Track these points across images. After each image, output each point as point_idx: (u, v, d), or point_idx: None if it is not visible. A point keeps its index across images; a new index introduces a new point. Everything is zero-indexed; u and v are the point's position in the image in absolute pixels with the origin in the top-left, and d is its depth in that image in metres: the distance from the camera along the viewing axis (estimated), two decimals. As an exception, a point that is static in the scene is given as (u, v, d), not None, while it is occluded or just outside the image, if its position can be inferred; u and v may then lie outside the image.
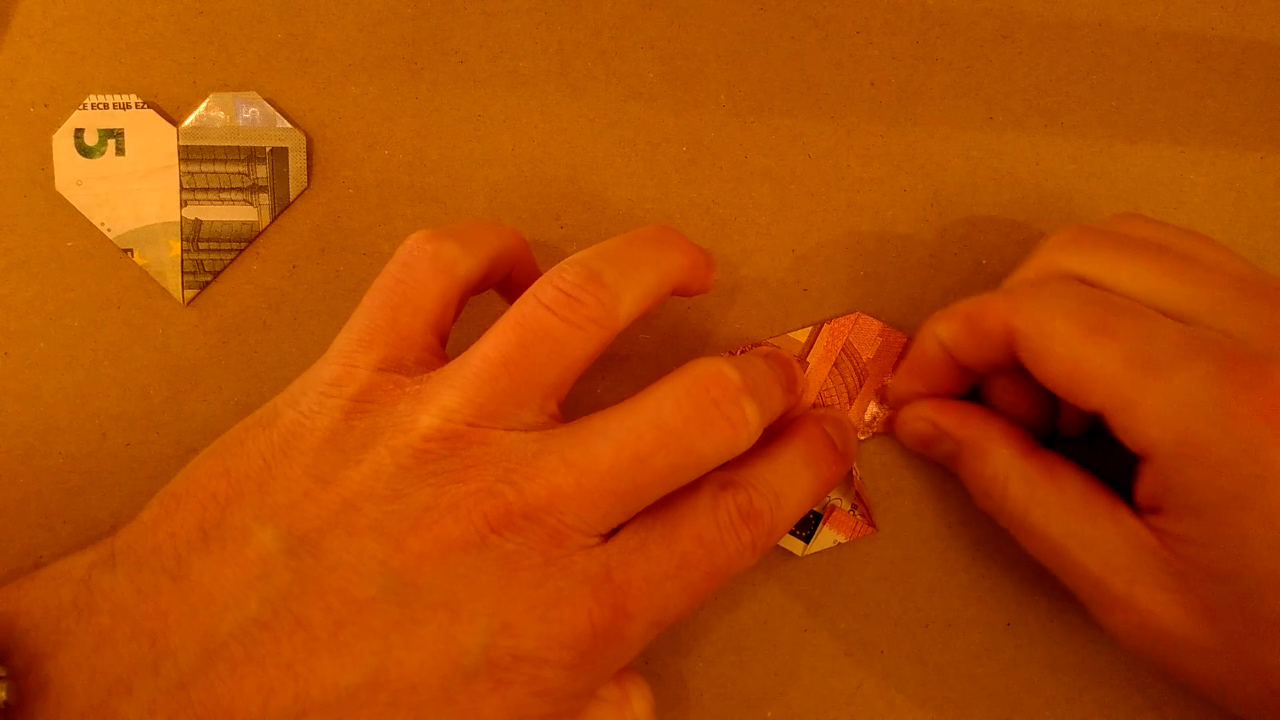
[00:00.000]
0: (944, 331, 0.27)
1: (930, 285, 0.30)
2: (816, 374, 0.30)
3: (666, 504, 0.24)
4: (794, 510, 0.25)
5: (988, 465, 0.26)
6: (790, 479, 0.25)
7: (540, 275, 0.24)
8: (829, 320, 0.30)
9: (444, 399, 0.22)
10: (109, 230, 0.30)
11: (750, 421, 0.23)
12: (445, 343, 0.25)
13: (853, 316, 0.30)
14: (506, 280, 0.27)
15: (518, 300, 0.24)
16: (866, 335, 0.30)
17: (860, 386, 0.29)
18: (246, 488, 0.22)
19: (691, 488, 0.24)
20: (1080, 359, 0.23)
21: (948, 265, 0.30)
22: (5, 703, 0.19)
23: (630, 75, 0.31)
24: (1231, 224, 0.31)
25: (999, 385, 0.27)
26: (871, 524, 0.29)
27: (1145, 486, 0.23)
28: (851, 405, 0.29)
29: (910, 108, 0.31)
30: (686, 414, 0.23)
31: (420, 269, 0.24)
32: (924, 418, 0.28)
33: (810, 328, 0.30)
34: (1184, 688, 0.26)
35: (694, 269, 0.26)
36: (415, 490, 0.22)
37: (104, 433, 0.29)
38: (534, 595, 0.21)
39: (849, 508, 0.29)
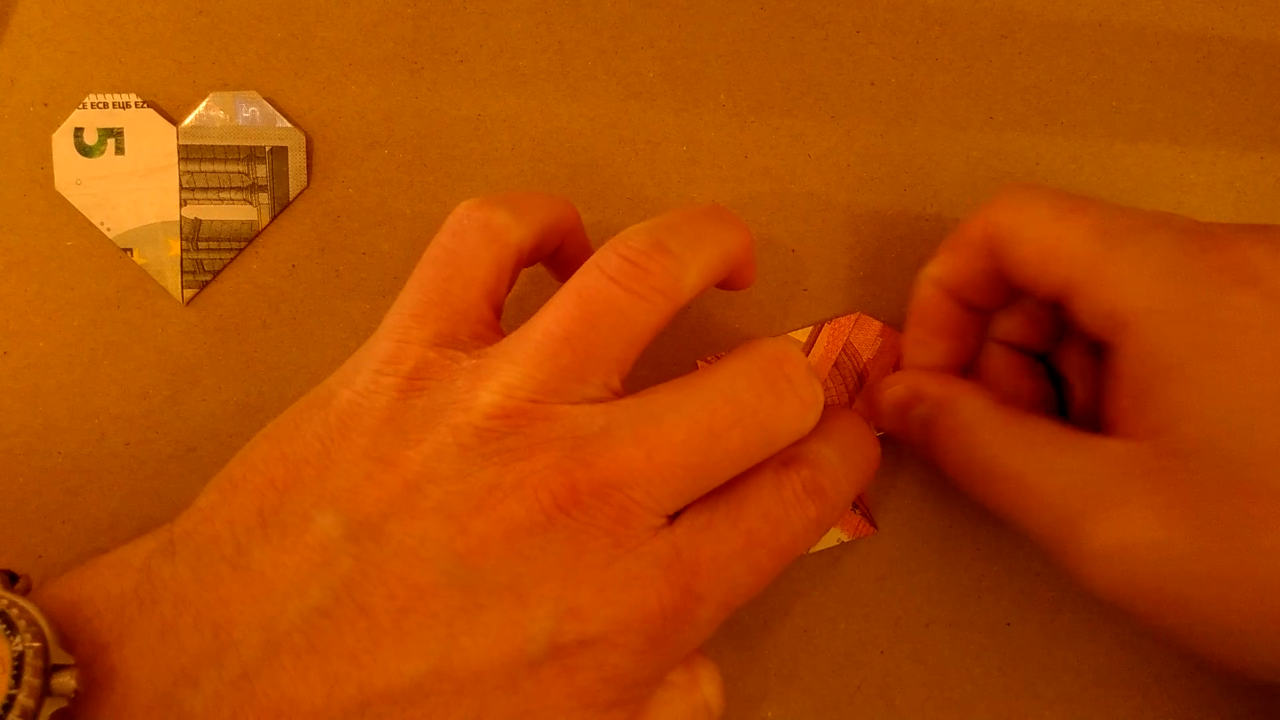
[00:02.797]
0: (934, 268, 0.27)
1: (930, 285, 0.30)
2: (817, 373, 0.29)
3: (729, 483, 0.23)
4: (852, 489, 0.25)
5: (959, 415, 0.25)
6: (847, 457, 0.25)
7: (592, 250, 0.23)
8: (829, 320, 0.30)
9: (505, 375, 0.22)
10: (108, 230, 0.30)
11: (819, 401, 0.23)
12: (500, 314, 0.25)
13: (853, 316, 0.30)
14: (558, 254, 0.27)
15: (579, 270, 0.23)
16: (867, 335, 0.30)
17: (860, 386, 0.29)
18: (305, 472, 0.21)
19: (753, 467, 0.23)
20: (1051, 236, 0.23)
21: (948, 265, 0.30)
22: (75, 691, 0.19)
23: (630, 75, 0.31)
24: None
25: (1002, 320, 0.27)
26: (872, 524, 0.29)
27: (1115, 381, 0.23)
28: (851, 405, 0.29)
29: (910, 108, 0.31)
30: (760, 390, 0.22)
31: (471, 238, 0.24)
32: (901, 381, 0.27)
33: (810, 327, 0.30)
34: (1167, 640, 0.25)
35: (749, 251, 0.25)
36: (479, 470, 0.21)
37: (104, 433, 0.29)
38: (602, 577, 0.21)
39: (851, 506, 0.29)
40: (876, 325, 0.30)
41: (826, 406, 0.27)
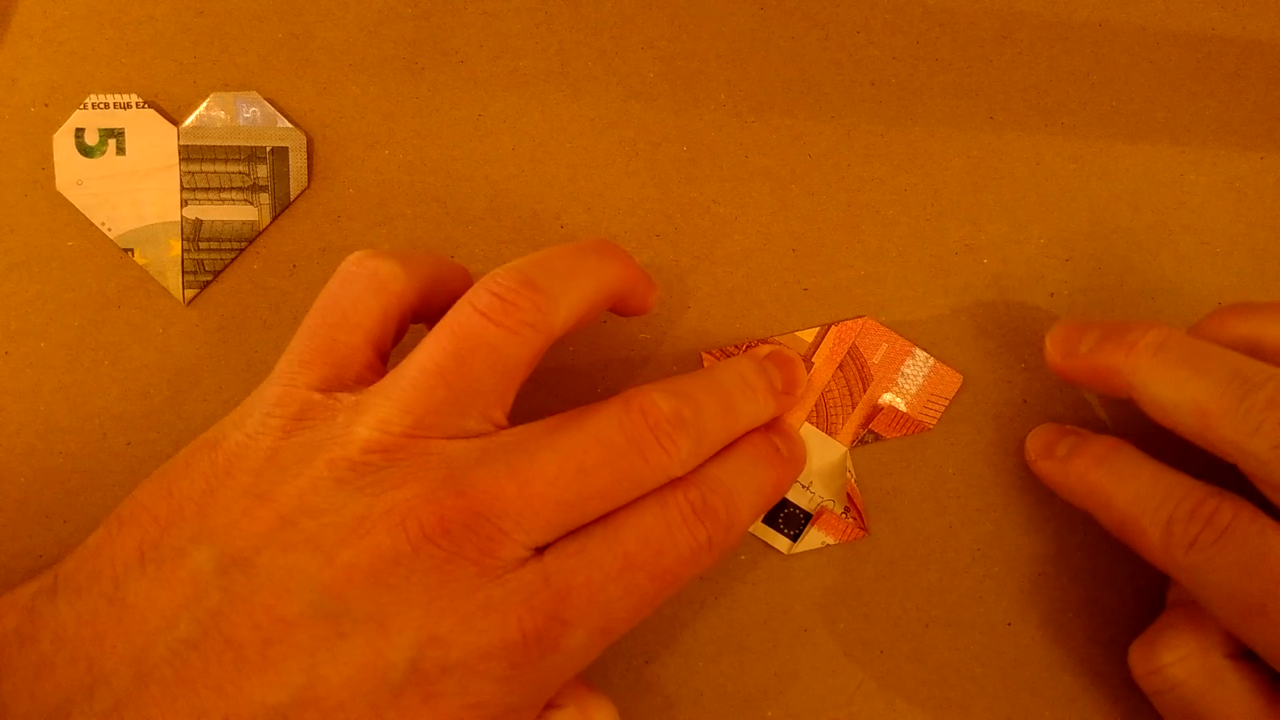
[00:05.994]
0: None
1: (930, 285, 0.30)
2: (821, 374, 0.30)
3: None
4: (749, 509, 0.25)
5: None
6: (740, 476, 0.25)
7: None
8: (836, 323, 0.30)
9: (381, 410, 0.22)
10: (109, 230, 0.30)
11: (681, 451, 0.23)
12: (385, 362, 0.25)
13: (860, 320, 0.30)
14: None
15: (452, 308, 0.23)
16: (872, 339, 0.30)
17: (864, 390, 0.29)
18: (187, 509, 0.22)
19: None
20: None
21: (948, 265, 0.30)
22: None
23: (630, 75, 0.31)
24: (1231, 224, 0.31)
25: None
26: (863, 526, 0.29)
27: None
28: (854, 409, 0.29)
29: (910, 108, 0.31)
30: (629, 434, 0.23)
31: (358, 285, 0.24)
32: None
33: (818, 328, 0.30)
34: None
35: (633, 281, 0.26)
36: (351, 502, 0.21)
37: (104, 433, 0.29)
38: (465, 606, 0.21)
39: (841, 510, 0.29)
40: (883, 331, 0.30)
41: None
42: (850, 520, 0.29)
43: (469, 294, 0.23)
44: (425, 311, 0.26)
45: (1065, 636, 0.29)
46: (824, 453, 0.29)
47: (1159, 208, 0.31)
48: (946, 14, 0.31)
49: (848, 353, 0.30)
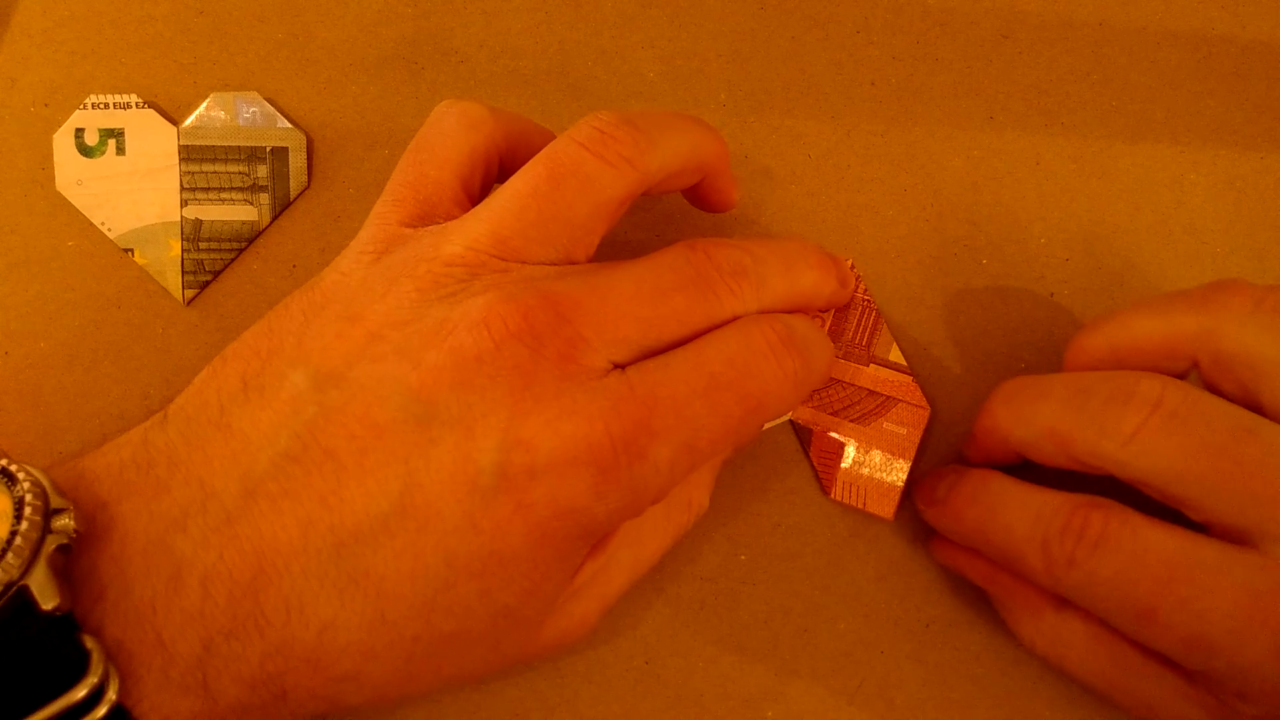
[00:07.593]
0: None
1: (930, 285, 0.30)
2: (867, 380, 0.29)
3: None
4: (824, 365, 0.25)
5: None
6: (812, 328, 0.25)
7: None
8: (916, 378, 0.29)
9: (469, 228, 0.23)
10: (109, 230, 0.30)
11: (744, 294, 0.24)
12: (474, 200, 0.25)
13: (926, 407, 0.29)
14: None
15: (551, 142, 0.24)
16: (910, 419, 0.29)
17: (855, 421, 0.29)
18: (286, 341, 0.23)
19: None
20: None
21: (948, 265, 0.30)
22: (76, 531, 0.20)
23: (630, 75, 0.31)
24: (1231, 224, 0.31)
25: None
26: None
27: None
28: (833, 415, 0.29)
29: (910, 108, 0.31)
30: (697, 269, 0.23)
31: (448, 123, 0.25)
32: (949, 559, 0.28)
33: (906, 365, 0.29)
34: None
35: (723, 160, 0.26)
36: (433, 309, 0.22)
37: (104, 433, 0.29)
38: (550, 409, 0.21)
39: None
40: (922, 428, 0.29)
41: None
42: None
43: (570, 129, 0.24)
44: (511, 163, 0.26)
45: (1065, 636, 0.29)
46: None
47: (1159, 208, 0.31)
48: (946, 14, 0.31)
49: (889, 394, 0.29)
